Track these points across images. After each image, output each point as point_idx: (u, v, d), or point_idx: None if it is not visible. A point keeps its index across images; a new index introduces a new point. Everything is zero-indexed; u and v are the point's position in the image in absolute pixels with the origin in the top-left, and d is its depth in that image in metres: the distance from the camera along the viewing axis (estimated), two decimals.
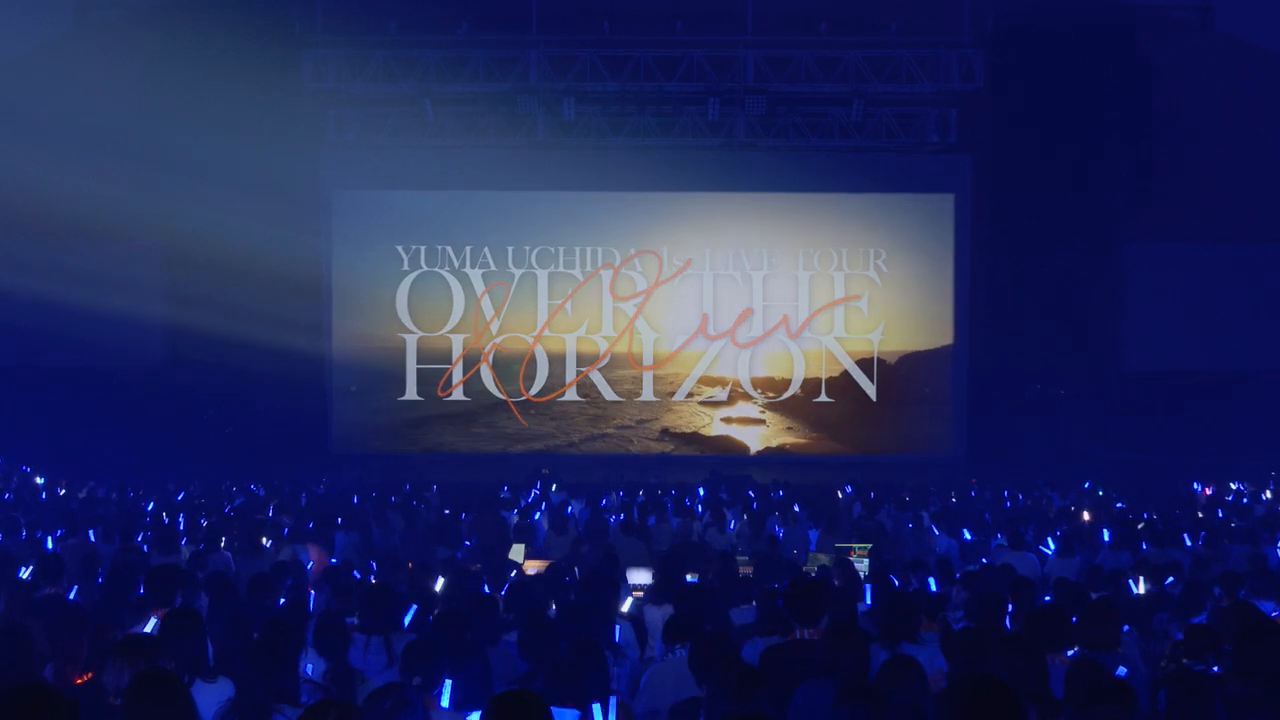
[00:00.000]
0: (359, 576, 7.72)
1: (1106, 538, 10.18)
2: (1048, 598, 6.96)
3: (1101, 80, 17.62)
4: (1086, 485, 15.70)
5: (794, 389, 19.58)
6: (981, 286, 19.07)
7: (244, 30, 16.96)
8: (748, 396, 19.69)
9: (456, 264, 19.59)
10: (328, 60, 17.82)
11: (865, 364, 19.69)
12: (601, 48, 17.62)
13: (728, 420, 19.68)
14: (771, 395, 19.63)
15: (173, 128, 16.71)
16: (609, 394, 19.71)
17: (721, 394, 19.70)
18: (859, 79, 17.57)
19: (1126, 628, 5.89)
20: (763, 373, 19.72)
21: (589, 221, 19.63)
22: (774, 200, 19.47)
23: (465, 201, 19.54)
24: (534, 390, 19.67)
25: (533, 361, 19.64)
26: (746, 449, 19.54)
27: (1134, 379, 18.51)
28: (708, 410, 19.70)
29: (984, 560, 9.20)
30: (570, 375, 19.68)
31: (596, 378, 19.69)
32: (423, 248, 19.50)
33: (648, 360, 19.72)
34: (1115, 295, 18.74)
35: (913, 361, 19.68)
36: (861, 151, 18.83)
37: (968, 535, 10.90)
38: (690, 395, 19.74)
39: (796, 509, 12.31)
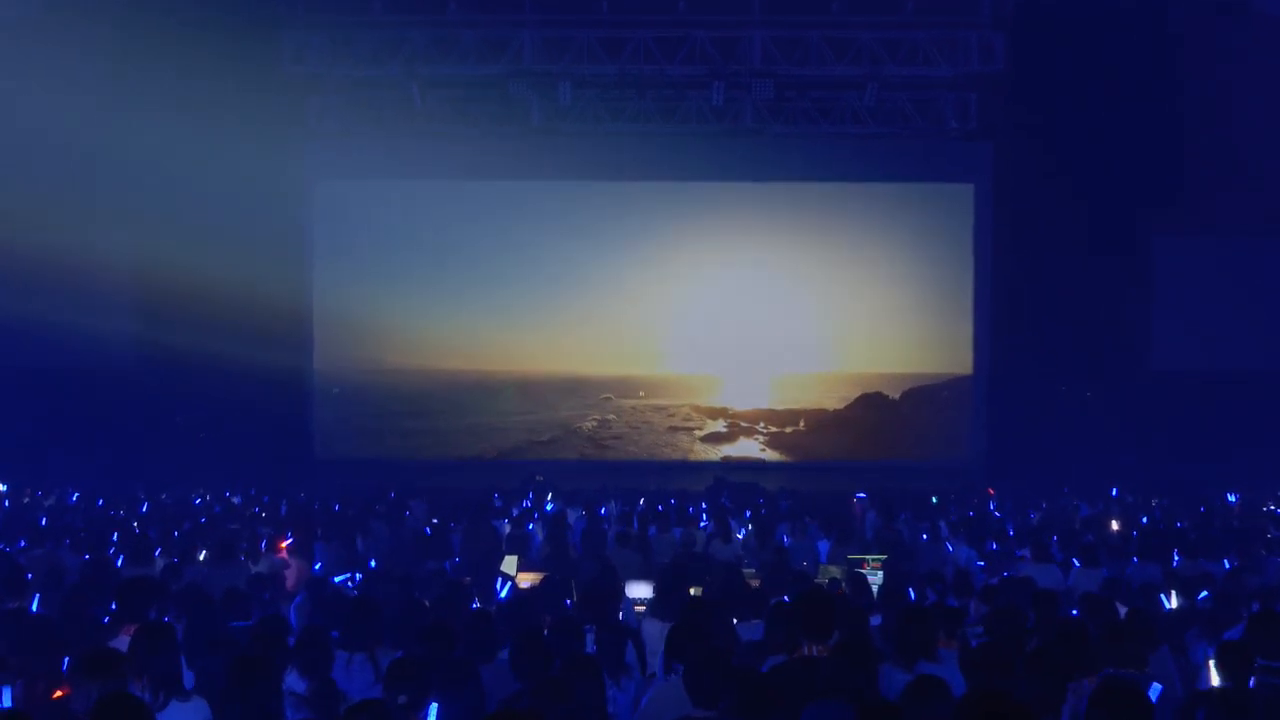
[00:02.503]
0: (342, 589, 7.73)
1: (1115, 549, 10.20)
2: (1074, 612, 6.97)
3: (1130, 63, 17.60)
4: (1114, 493, 15.70)
5: (799, 422, 19.66)
6: (1002, 281, 19.07)
7: (218, 10, 16.91)
8: (749, 431, 19.77)
9: (444, 257, 19.62)
10: (308, 41, 17.77)
11: (879, 364, 19.74)
12: (599, 28, 17.59)
13: (727, 459, 19.75)
14: (774, 428, 19.72)
15: (142, 116, 16.65)
16: (608, 417, 19.84)
17: (721, 426, 19.80)
18: (873, 61, 17.54)
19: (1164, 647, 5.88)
20: (766, 399, 19.75)
21: (584, 211, 19.67)
22: (782, 190, 19.49)
23: (454, 191, 19.58)
24: (526, 404, 19.78)
25: (524, 374, 19.75)
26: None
27: (1163, 379, 18.50)
28: (709, 447, 19.72)
29: (1005, 573, 9.20)
30: (564, 393, 19.78)
31: (589, 410, 19.85)
32: (409, 241, 19.51)
33: (643, 389, 19.84)
34: (1144, 291, 18.74)
35: (930, 362, 19.71)
36: (875, 138, 18.82)
37: (988, 546, 10.91)
38: (690, 428, 19.83)
39: (806, 518, 12.32)
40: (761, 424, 19.83)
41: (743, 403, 19.94)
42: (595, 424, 19.84)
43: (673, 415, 19.94)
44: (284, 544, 9.64)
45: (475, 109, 18.48)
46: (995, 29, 17.61)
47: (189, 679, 5.11)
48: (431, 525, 11.96)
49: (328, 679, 5.03)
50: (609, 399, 19.88)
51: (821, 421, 19.76)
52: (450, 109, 18.47)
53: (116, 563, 9.01)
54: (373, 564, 8.69)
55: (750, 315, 19.61)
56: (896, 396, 19.79)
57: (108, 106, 16.81)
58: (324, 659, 5.12)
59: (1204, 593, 7.78)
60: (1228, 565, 9.57)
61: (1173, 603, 7.63)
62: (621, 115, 18.57)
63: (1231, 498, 15.52)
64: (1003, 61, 17.58)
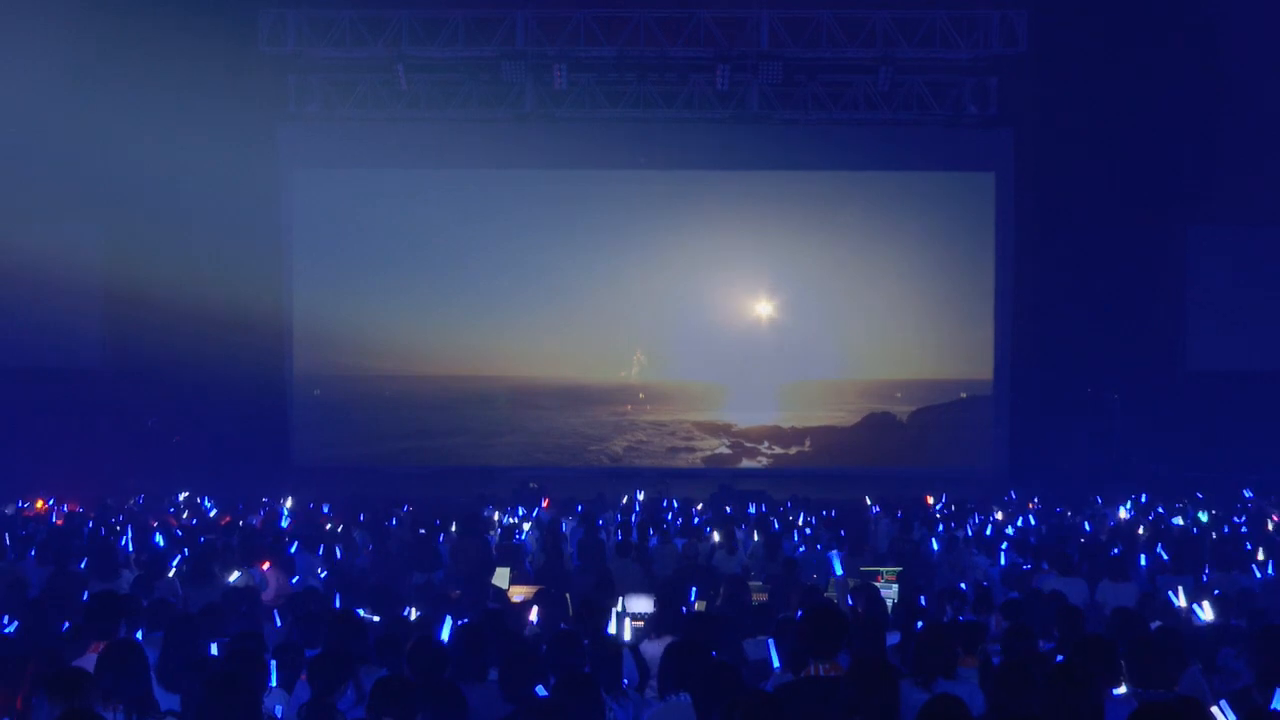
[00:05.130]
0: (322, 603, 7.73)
1: (1144, 561, 10.21)
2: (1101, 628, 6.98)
3: (1160, 43, 17.58)
4: (1143, 499, 15.70)
5: (804, 441, 19.67)
6: (1025, 276, 19.07)
7: None
8: (753, 453, 19.77)
9: (430, 250, 19.62)
10: (287, 20, 17.76)
11: (892, 370, 19.74)
12: (597, 7, 17.60)
13: (733, 466, 19.78)
14: (779, 449, 19.71)
15: (109, 101, 16.65)
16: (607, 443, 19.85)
17: (724, 448, 19.78)
18: (887, 43, 17.54)
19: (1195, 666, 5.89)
20: (772, 410, 19.72)
21: (579, 203, 19.67)
22: (789, 180, 19.49)
23: (442, 181, 19.58)
24: (519, 411, 19.80)
25: (516, 378, 19.76)
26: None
27: (1199, 380, 18.49)
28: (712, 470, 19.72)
29: (1034, 584, 9.20)
30: (558, 400, 19.78)
31: (585, 420, 19.86)
32: (393, 232, 19.51)
33: (642, 392, 19.84)
34: (1177, 286, 18.74)
35: (947, 365, 19.71)
36: (889, 125, 18.82)
37: (1009, 558, 10.93)
38: (691, 448, 19.82)
39: (816, 528, 12.32)
40: (765, 443, 19.82)
41: (747, 417, 19.94)
42: (595, 449, 19.87)
43: (673, 433, 19.95)
44: (266, 564, 9.63)
45: (465, 93, 18.48)
46: (1017, 8, 17.60)
47: (173, 701, 5.12)
48: (418, 536, 11.97)
49: (330, 699, 5.03)
50: (625, 410, 19.87)
51: (829, 439, 19.75)
52: (438, 93, 18.47)
53: (83, 575, 9.01)
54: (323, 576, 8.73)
55: (755, 316, 19.64)
56: (911, 404, 19.80)
57: (72, 91, 16.80)
58: (342, 676, 5.10)
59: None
60: (1260, 576, 9.57)
61: (1204, 618, 7.61)
62: (620, 100, 18.57)
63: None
64: (1025, 43, 17.58)
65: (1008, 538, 12.21)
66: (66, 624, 6.69)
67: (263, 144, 18.73)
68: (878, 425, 19.79)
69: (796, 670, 5.13)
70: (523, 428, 19.96)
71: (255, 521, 13.60)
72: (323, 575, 10.17)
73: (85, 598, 7.69)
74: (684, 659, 5.16)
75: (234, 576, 9.03)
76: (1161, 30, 17.60)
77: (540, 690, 4.96)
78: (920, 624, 6.52)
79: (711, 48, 17.70)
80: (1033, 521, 14.34)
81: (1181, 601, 7.85)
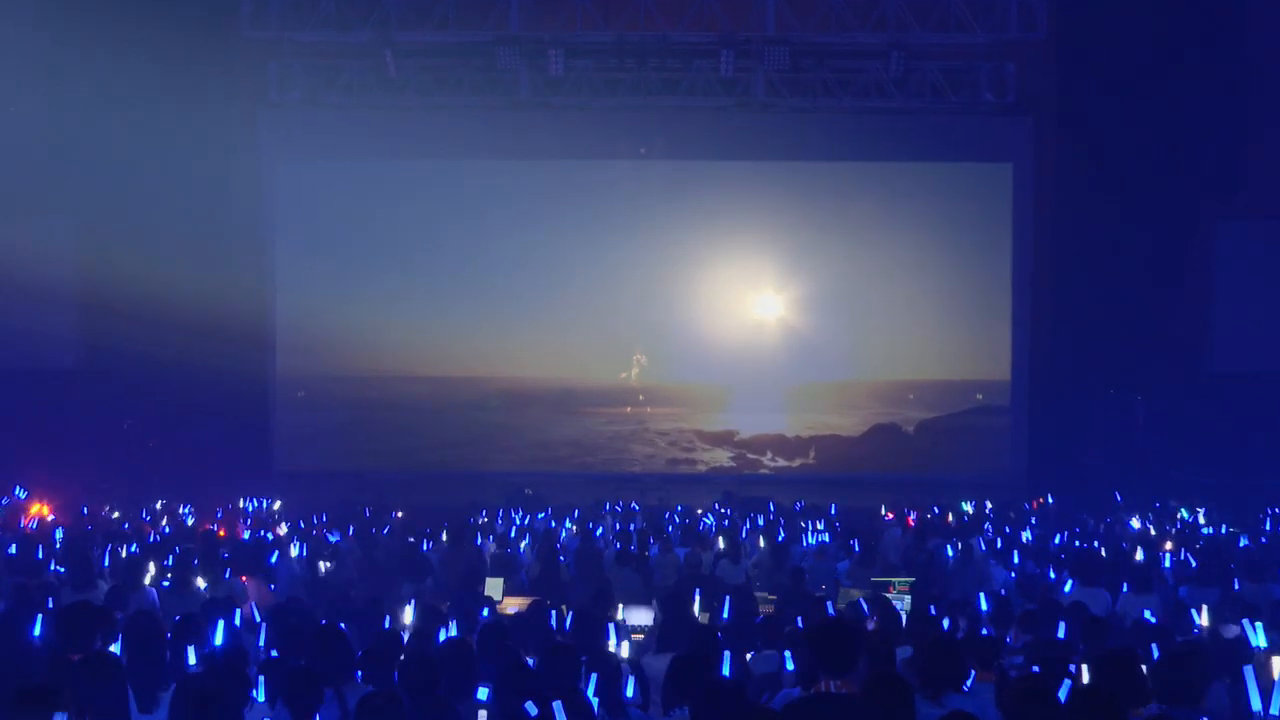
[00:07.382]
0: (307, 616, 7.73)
1: (1169, 570, 10.22)
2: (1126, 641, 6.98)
3: (1187, 27, 17.58)
4: (1163, 504, 15.71)
5: (809, 453, 19.65)
6: (1044, 273, 19.07)
7: None
8: (756, 464, 19.75)
9: (420, 246, 19.62)
10: (270, 3, 17.77)
11: (904, 371, 19.74)
12: None
13: (737, 471, 19.79)
14: (783, 461, 19.70)
15: (82, 89, 16.63)
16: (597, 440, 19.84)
17: (727, 459, 19.74)
18: (899, 27, 17.54)
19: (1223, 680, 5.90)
20: (779, 415, 19.68)
21: (577, 195, 19.66)
22: (796, 171, 19.50)
23: (432, 172, 19.57)
24: (513, 413, 19.80)
25: (510, 379, 19.76)
26: None
27: (1225, 382, 18.48)
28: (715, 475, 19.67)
29: (1053, 596, 9.21)
30: (555, 401, 19.80)
31: (582, 424, 19.86)
32: (380, 227, 19.51)
33: (643, 394, 19.83)
34: (1203, 283, 18.72)
35: (963, 366, 19.70)
36: (902, 113, 18.80)
37: (1028, 567, 10.94)
38: (692, 459, 19.81)
39: (825, 536, 12.33)
40: (769, 453, 19.79)
41: (751, 420, 19.89)
42: (593, 455, 19.87)
43: (675, 443, 19.93)
44: (244, 577, 9.64)
45: (456, 80, 18.46)
46: None
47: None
48: (406, 544, 11.99)
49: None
50: (624, 413, 19.86)
51: (835, 449, 19.73)
52: (428, 80, 18.45)
53: (55, 585, 9.01)
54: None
55: (759, 314, 19.61)
56: (924, 407, 19.77)
57: (44, 81, 16.78)
58: (313, 697, 5.10)
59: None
60: None
61: (1232, 631, 7.62)
62: (619, 87, 18.56)
63: None
64: (1044, 27, 17.56)
65: (1026, 546, 12.22)
66: (38, 635, 6.70)
67: (243, 134, 18.73)
68: (887, 432, 19.76)
69: (806, 686, 5.13)
70: (517, 431, 19.96)
71: (236, 529, 13.63)
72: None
73: (51, 607, 7.71)
74: (687, 674, 5.16)
75: (211, 585, 9.04)
76: (1187, 16, 17.58)
77: (531, 708, 4.95)
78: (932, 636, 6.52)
79: (715, 32, 17.67)
80: (1051, 528, 14.36)
81: (1203, 620, 7.86)
